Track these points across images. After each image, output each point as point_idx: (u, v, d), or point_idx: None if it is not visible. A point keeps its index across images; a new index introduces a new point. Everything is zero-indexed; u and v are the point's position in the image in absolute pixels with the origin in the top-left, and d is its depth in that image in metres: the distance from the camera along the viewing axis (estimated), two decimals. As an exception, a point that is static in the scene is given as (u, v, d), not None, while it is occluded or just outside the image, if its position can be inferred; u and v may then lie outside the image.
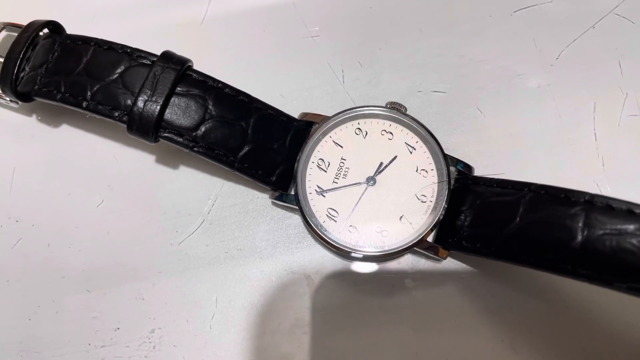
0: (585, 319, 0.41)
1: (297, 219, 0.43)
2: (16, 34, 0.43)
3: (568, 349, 0.40)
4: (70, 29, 0.44)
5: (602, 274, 0.33)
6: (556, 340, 0.41)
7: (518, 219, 0.37)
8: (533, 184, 0.37)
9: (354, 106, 0.43)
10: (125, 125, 0.38)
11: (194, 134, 0.39)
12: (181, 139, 0.39)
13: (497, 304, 0.41)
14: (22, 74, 0.42)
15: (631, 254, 0.33)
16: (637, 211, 0.33)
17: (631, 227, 0.33)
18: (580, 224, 0.34)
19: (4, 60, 0.42)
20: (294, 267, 0.43)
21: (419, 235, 0.40)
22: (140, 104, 0.38)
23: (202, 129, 0.39)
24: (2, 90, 0.43)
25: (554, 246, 0.35)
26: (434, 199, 0.41)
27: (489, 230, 0.38)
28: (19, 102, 0.44)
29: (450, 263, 0.42)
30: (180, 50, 0.40)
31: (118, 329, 0.42)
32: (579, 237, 0.34)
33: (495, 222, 0.38)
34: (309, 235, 0.43)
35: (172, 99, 0.38)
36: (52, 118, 0.46)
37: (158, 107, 0.38)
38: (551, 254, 0.35)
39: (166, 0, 0.49)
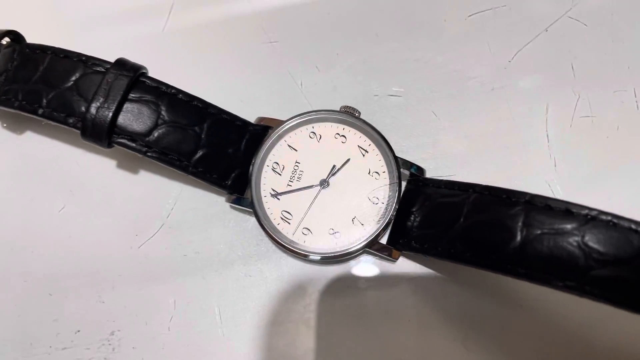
0: (538, 318, 0.42)
1: (255, 222, 0.44)
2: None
3: (520, 347, 0.41)
4: (31, 41, 0.45)
5: (540, 272, 0.34)
6: (508, 338, 0.41)
7: (462, 219, 0.37)
8: (478, 185, 0.38)
9: (309, 110, 0.43)
10: (79, 132, 0.39)
11: (147, 139, 0.40)
12: (134, 144, 0.40)
13: (450, 303, 0.42)
14: (-17, 83, 0.43)
15: (568, 252, 0.33)
16: (575, 211, 0.34)
17: (568, 226, 0.34)
18: (519, 224, 0.35)
19: (-34, 70, 0.43)
20: (251, 269, 0.43)
21: (371, 236, 0.41)
22: (93, 110, 0.38)
23: (155, 134, 0.40)
24: (-37, 99, 0.43)
25: (495, 246, 0.35)
26: (385, 201, 0.41)
27: (435, 231, 0.39)
28: (-17, 111, 0.45)
29: (404, 264, 0.43)
30: (140, 60, 0.41)
31: (79, 331, 0.43)
32: (519, 237, 0.35)
33: (441, 223, 0.39)
34: (267, 238, 0.44)
35: (125, 105, 0.39)
36: (16, 125, 0.47)
37: (110, 113, 0.38)
38: (493, 254, 0.35)
39: (127, 13, 0.50)
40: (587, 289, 0.33)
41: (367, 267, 0.43)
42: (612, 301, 0.32)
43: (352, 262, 0.43)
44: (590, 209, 0.33)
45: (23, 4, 0.51)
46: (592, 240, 0.33)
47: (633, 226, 0.33)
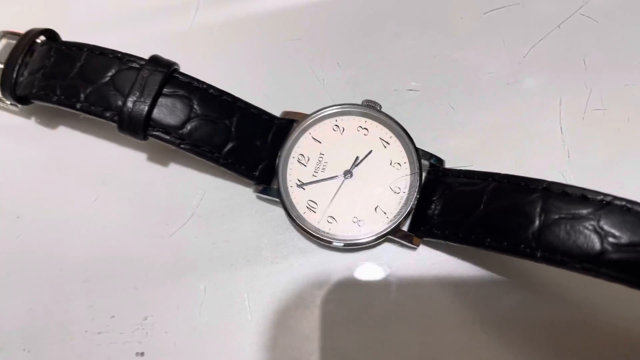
0: (554, 303, 0.43)
1: (280, 211, 0.46)
2: (15, 42, 0.46)
3: (536, 332, 0.43)
4: (65, 38, 0.47)
5: (557, 255, 0.36)
6: (525, 322, 0.43)
7: (482, 206, 0.39)
8: (497, 174, 0.40)
9: (332, 104, 0.45)
10: (116, 125, 0.41)
11: (180, 131, 0.41)
12: (169, 137, 0.42)
13: (468, 289, 0.44)
14: (20, 79, 0.45)
15: (584, 236, 0.35)
16: (590, 196, 0.36)
17: (584, 211, 0.36)
18: (538, 210, 0.37)
19: (4, 66, 0.45)
20: (277, 257, 0.45)
21: (393, 224, 0.42)
22: (129, 104, 0.40)
23: (188, 127, 0.42)
24: (2, 94, 0.45)
25: (514, 230, 0.37)
26: (407, 190, 0.43)
27: (456, 218, 0.40)
28: (19, 106, 0.47)
29: (424, 251, 0.45)
30: (169, 57, 0.43)
31: (113, 316, 0.45)
32: (537, 222, 0.36)
33: (461, 210, 0.40)
34: (292, 227, 0.46)
35: (160, 100, 0.41)
36: (49, 120, 0.49)
37: (146, 107, 0.40)
38: (511, 238, 0.37)
39: (155, 11, 0.52)
40: (603, 271, 0.34)
41: (387, 254, 0.45)
42: (627, 282, 0.34)
43: (375, 251, 0.45)
44: (605, 195, 0.35)
45: (50, 5, 0.53)
46: (608, 224, 0.35)
47: (646, 211, 0.34)
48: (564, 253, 0.35)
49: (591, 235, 0.35)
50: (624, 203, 0.35)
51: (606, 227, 0.35)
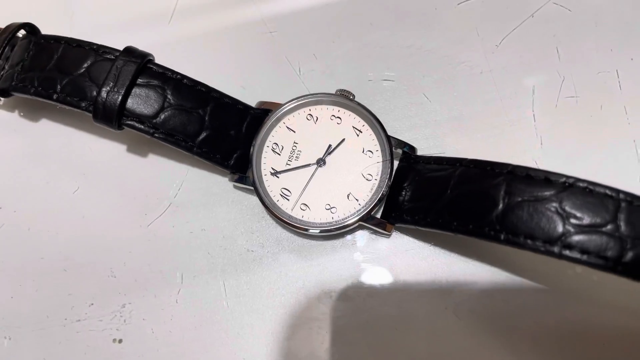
0: (528, 288, 0.43)
1: (256, 200, 0.46)
2: (-5, 37, 0.47)
3: (509, 317, 0.43)
4: (46, 30, 0.48)
5: (521, 237, 0.36)
6: (498, 307, 0.43)
7: (449, 191, 0.40)
8: (465, 159, 0.41)
9: (306, 94, 0.46)
10: (91, 115, 0.42)
11: (154, 121, 0.42)
12: (142, 126, 0.42)
13: (441, 275, 0.44)
14: (1, 72, 0.46)
15: (547, 217, 0.36)
16: (553, 179, 0.36)
17: (547, 193, 0.36)
18: (502, 193, 0.37)
19: (-16, 60, 0.46)
20: (253, 245, 0.46)
21: (365, 209, 0.43)
22: (103, 94, 0.41)
23: (162, 116, 0.42)
24: (-17, 88, 0.47)
25: (479, 214, 0.38)
26: (378, 177, 0.44)
27: (425, 203, 0.41)
28: (1, 99, 0.48)
29: (397, 238, 0.45)
30: (146, 49, 0.44)
31: (92, 304, 0.46)
32: (501, 205, 0.37)
33: (430, 195, 0.41)
34: (267, 215, 0.46)
35: (134, 90, 0.42)
36: (32, 113, 0.50)
37: (120, 97, 0.41)
38: (476, 221, 0.38)
39: (134, 3, 0.53)
40: (565, 252, 0.35)
41: (360, 242, 0.45)
42: (589, 263, 0.34)
43: (349, 238, 0.45)
44: (568, 177, 0.36)
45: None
46: (570, 206, 0.35)
47: (608, 192, 0.35)
48: (527, 235, 0.36)
49: (553, 217, 0.35)
50: (585, 185, 0.35)
51: (568, 209, 0.35)
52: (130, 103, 0.42)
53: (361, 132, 0.45)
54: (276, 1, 0.52)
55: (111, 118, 0.41)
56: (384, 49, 0.50)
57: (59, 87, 0.43)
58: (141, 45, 0.44)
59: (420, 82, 0.49)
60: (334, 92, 0.46)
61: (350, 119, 0.45)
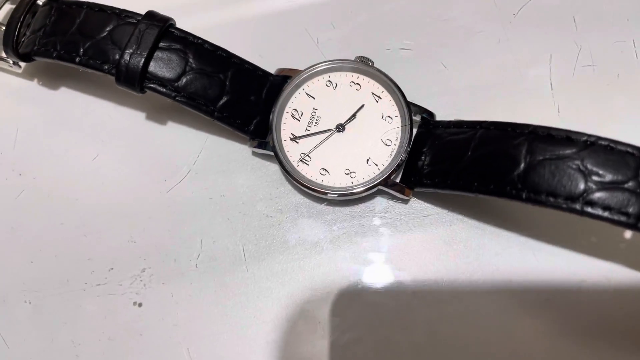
0: (548, 258, 0.44)
1: (275, 167, 0.47)
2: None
3: (529, 286, 0.43)
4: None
5: (543, 195, 0.36)
6: (517, 276, 0.43)
7: (470, 152, 0.40)
8: (485, 121, 0.41)
9: (325, 60, 0.46)
10: (114, 78, 0.42)
11: (176, 84, 0.43)
12: (164, 89, 0.43)
13: (460, 240, 0.44)
14: (22, 38, 0.46)
15: (569, 175, 0.36)
16: (575, 137, 0.37)
17: (568, 151, 0.36)
18: (523, 152, 0.38)
19: (6, 26, 0.46)
20: (272, 211, 0.46)
21: (384, 174, 0.43)
22: (126, 57, 0.42)
23: (184, 80, 0.43)
24: (5, 52, 0.47)
25: (500, 173, 0.38)
26: (397, 143, 0.44)
27: (444, 166, 0.41)
28: (21, 66, 0.48)
29: (415, 204, 0.46)
30: (168, 13, 0.45)
31: (112, 269, 0.46)
32: (522, 164, 0.37)
33: (450, 158, 0.41)
34: (286, 182, 0.47)
35: (156, 53, 0.42)
36: (51, 81, 0.51)
37: (142, 60, 0.42)
38: (498, 181, 0.38)
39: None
40: (587, 209, 0.35)
41: (380, 207, 0.46)
42: (611, 220, 0.35)
43: (368, 204, 0.46)
44: (590, 135, 0.36)
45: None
46: (591, 163, 0.36)
47: (630, 149, 0.35)
48: (549, 193, 0.36)
49: (575, 174, 0.36)
50: (607, 143, 0.36)
51: (590, 166, 0.35)
52: (153, 66, 0.42)
53: (380, 98, 0.45)
54: (294, -29, 0.52)
55: (134, 81, 0.42)
56: (401, 19, 0.50)
57: (81, 50, 0.43)
58: (160, 10, 0.45)
59: (438, 51, 0.49)
60: (353, 59, 0.46)
61: (370, 85, 0.46)
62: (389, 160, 0.44)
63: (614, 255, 0.43)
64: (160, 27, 0.42)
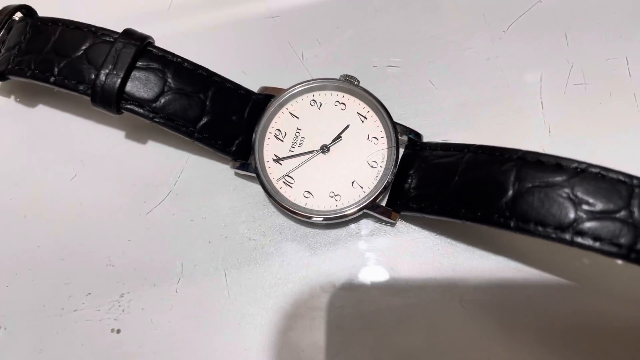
0: (534, 278, 0.43)
1: (259, 188, 0.45)
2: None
3: (516, 308, 0.42)
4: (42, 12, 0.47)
5: (531, 224, 0.35)
6: (503, 298, 0.42)
7: (457, 177, 0.39)
8: (472, 145, 0.40)
9: (309, 79, 0.45)
10: (89, 98, 0.41)
11: (154, 105, 0.41)
12: (142, 110, 0.41)
13: (447, 264, 0.43)
14: (-2, 56, 0.45)
15: (558, 203, 0.35)
16: (565, 164, 0.35)
17: (558, 179, 0.35)
18: (512, 178, 0.36)
19: (-20, 43, 0.45)
20: (255, 233, 0.45)
21: (370, 197, 0.42)
22: (102, 77, 0.40)
23: (162, 100, 0.41)
24: (-22, 71, 0.45)
25: (488, 200, 0.37)
26: (384, 165, 0.43)
27: (431, 190, 0.40)
28: (-2, 83, 0.47)
29: (403, 227, 0.44)
30: (146, 31, 0.43)
31: (89, 294, 0.44)
32: (511, 191, 0.36)
33: (437, 182, 0.40)
34: (270, 203, 0.45)
35: (133, 73, 0.41)
36: (28, 99, 0.49)
37: (119, 80, 0.40)
38: (485, 208, 0.37)
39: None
40: (577, 239, 0.34)
41: (366, 231, 0.44)
42: (601, 250, 0.33)
43: (353, 227, 0.45)
44: (580, 162, 0.35)
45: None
46: (582, 191, 0.34)
47: (621, 177, 0.34)
48: (538, 222, 0.35)
49: (565, 203, 0.34)
50: (598, 170, 0.34)
51: (580, 195, 0.34)
52: (130, 86, 0.41)
53: (366, 118, 0.44)
54: (279, -15, 0.51)
55: (110, 101, 0.40)
56: (388, 35, 0.49)
57: (56, 69, 0.41)
58: (141, 30, 0.43)
59: (426, 68, 0.48)
60: (338, 78, 0.45)
61: (355, 104, 0.44)
62: (375, 182, 0.43)
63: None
64: (137, 45, 0.41)
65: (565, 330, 0.41)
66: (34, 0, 0.47)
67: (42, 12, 0.47)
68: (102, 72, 0.40)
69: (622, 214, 0.33)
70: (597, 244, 0.34)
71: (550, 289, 0.42)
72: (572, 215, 0.34)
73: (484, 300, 0.42)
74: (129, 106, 0.41)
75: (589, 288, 0.42)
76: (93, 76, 0.41)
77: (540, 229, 0.35)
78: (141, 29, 0.43)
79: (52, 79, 0.42)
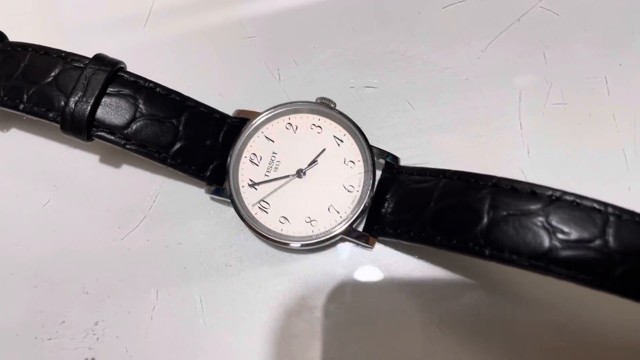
0: (513, 302, 0.42)
1: (234, 212, 0.45)
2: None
3: (495, 332, 0.42)
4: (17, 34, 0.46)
5: (506, 252, 0.35)
6: (484, 322, 0.42)
7: (432, 203, 0.38)
8: (448, 170, 0.39)
9: (285, 102, 0.44)
10: (59, 126, 0.40)
11: (125, 131, 0.41)
12: (113, 137, 0.41)
13: (426, 289, 0.43)
14: (-33, 82, 0.44)
15: (533, 232, 0.34)
16: (539, 192, 0.35)
17: (533, 207, 0.35)
18: (486, 206, 0.36)
19: (-50, 68, 0.44)
20: (231, 259, 0.44)
21: (347, 223, 0.41)
22: (71, 104, 0.40)
23: (133, 127, 0.41)
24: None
25: (463, 228, 0.36)
26: (360, 189, 0.42)
27: (407, 216, 0.40)
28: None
29: (381, 251, 0.44)
30: (121, 57, 0.43)
31: (63, 322, 0.44)
32: (485, 219, 0.36)
33: (413, 208, 0.39)
34: (246, 228, 0.45)
35: (104, 99, 0.40)
36: (0, 123, 0.48)
37: (89, 107, 0.40)
38: (460, 236, 0.36)
39: (108, 10, 0.51)
40: (552, 268, 0.33)
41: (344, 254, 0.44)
42: (576, 279, 0.33)
43: (331, 252, 0.44)
44: (554, 190, 0.34)
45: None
46: (556, 220, 0.34)
47: (596, 205, 0.34)
48: (512, 250, 0.34)
49: (540, 231, 0.34)
50: (572, 198, 0.34)
51: (555, 223, 0.34)
52: (100, 113, 0.40)
53: (342, 141, 0.43)
54: (255, 5, 0.50)
55: (80, 129, 0.40)
56: (366, 55, 0.48)
57: (25, 97, 0.41)
58: (115, 50, 0.43)
59: (404, 88, 0.47)
60: (314, 100, 0.44)
61: (331, 128, 0.44)
62: (352, 207, 0.42)
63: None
64: (108, 71, 0.40)
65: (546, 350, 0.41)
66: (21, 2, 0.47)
67: (29, 21, 0.46)
68: (72, 99, 0.40)
69: (597, 243, 0.33)
70: (572, 273, 0.33)
71: (528, 308, 0.42)
72: (546, 244, 0.34)
73: (464, 323, 0.42)
74: (99, 133, 0.40)
75: (567, 310, 0.41)
76: (63, 103, 0.40)
77: (514, 257, 0.34)
78: (115, 48, 0.43)
79: (21, 106, 0.41)
